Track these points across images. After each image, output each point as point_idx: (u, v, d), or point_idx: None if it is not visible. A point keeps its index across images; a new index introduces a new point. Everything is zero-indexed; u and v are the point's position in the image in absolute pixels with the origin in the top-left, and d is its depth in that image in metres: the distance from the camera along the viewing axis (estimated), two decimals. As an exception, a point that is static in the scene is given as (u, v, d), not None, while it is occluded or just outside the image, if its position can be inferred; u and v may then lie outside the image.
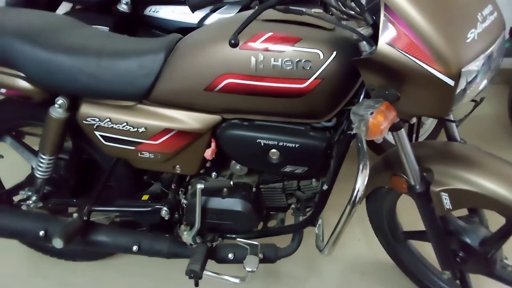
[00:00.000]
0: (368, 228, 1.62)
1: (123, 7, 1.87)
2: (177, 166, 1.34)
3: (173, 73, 1.20)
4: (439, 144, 1.28)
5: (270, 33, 1.10)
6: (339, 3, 1.04)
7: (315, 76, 1.09)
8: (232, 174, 1.38)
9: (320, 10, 1.15)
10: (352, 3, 1.03)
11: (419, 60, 0.92)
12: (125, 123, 1.26)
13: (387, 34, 0.93)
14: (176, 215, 1.45)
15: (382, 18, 0.93)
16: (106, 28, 1.95)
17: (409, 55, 0.92)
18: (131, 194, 1.50)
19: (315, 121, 1.22)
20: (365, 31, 1.03)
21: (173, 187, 1.43)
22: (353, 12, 1.03)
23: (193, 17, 1.87)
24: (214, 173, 1.38)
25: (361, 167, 1.12)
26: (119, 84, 1.23)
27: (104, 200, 1.48)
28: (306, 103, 1.14)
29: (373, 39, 1.03)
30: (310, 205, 1.40)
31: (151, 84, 1.22)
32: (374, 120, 0.94)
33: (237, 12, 1.90)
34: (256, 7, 0.99)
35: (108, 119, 1.27)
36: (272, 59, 1.09)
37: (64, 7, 2.15)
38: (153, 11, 1.89)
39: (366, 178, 1.11)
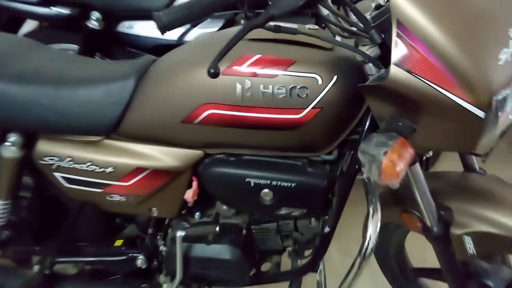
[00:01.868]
0: (373, 261, 1.44)
1: (93, 23, 1.69)
2: (154, 209, 1.15)
3: (145, 102, 1.02)
4: (456, 176, 1.11)
5: (258, 55, 0.93)
6: (339, 18, 0.87)
7: (312, 105, 0.92)
8: (218, 213, 1.19)
9: (316, 27, 0.98)
10: (355, 17, 0.86)
11: (440, 86, 0.75)
12: (89, 163, 1.07)
13: (401, 55, 0.76)
14: (155, 262, 1.26)
15: (394, 36, 0.76)
16: (75, 47, 1.76)
17: (428, 80, 0.76)
18: (103, 239, 1.30)
19: (313, 154, 1.05)
20: (371, 51, 0.86)
21: (150, 231, 1.24)
22: (356, 29, 0.86)
23: (172, 33, 1.69)
24: (197, 213, 1.19)
25: (371, 211, 0.94)
26: (82, 116, 1.04)
27: (71, 247, 1.28)
28: (302, 135, 0.97)
29: (381, 60, 0.86)
30: (310, 247, 1.21)
31: (119, 115, 1.03)
32: (389, 162, 0.76)
33: (221, 26, 1.72)
34: (242, 23, 0.82)
35: (70, 158, 1.07)
36: (261, 86, 0.92)
37: (29, 25, 1.95)
38: (127, 27, 1.71)
39: (378, 225, 0.93)
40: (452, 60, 0.74)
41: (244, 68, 0.92)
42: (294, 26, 0.95)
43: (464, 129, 0.80)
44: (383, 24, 0.83)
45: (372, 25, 0.83)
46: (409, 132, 0.83)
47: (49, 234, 1.40)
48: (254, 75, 0.92)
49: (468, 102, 0.75)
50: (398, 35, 0.75)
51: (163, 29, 0.79)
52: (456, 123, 0.79)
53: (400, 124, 0.83)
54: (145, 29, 1.71)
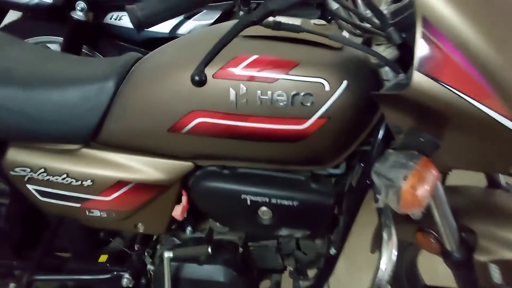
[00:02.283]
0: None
1: (78, 14, 1.55)
2: (139, 225, 1.03)
3: (127, 107, 0.89)
4: (479, 192, 0.98)
5: (255, 56, 0.80)
6: (351, 13, 0.74)
7: (318, 115, 0.79)
8: (212, 229, 1.08)
9: (323, 22, 0.85)
10: (369, 12, 0.73)
11: (473, 98, 0.62)
12: (65, 175, 0.95)
13: (425, 60, 0.63)
14: (143, 281, 1.14)
15: (418, 36, 0.63)
16: (60, 39, 1.62)
17: (458, 90, 0.63)
18: (86, 253, 1.18)
19: (318, 167, 0.92)
20: (388, 52, 0.73)
21: (136, 247, 1.12)
22: (371, 26, 0.73)
23: (163, 25, 1.56)
24: (189, 227, 1.07)
25: (385, 236, 0.82)
26: (55, 122, 0.92)
27: (51, 262, 1.17)
28: (306, 147, 0.84)
29: (400, 63, 0.73)
30: (313, 266, 1.10)
31: (98, 122, 0.91)
32: (410, 188, 0.64)
33: (217, 18, 1.58)
34: (241, 14, 0.69)
35: (43, 170, 0.95)
36: (259, 91, 0.79)
37: (12, 15, 1.81)
38: (115, 19, 1.57)
39: (394, 255, 0.81)
40: (490, 67, 0.61)
41: (239, 71, 0.79)
42: (297, 21, 0.82)
43: (498, 147, 0.67)
44: (404, 21, 0.69)
45: (391, 21, 0.70)
46: (432, 149, 0.70)
47: (30, 246, 1.29)
48: (251, 79, 0.79)
49: (505, 117, 0.62)
50: (424, 36, 0.62)
51: (138, 26, 0.66)
52: (489, 141, 0.67)
53: (421, 139, 0.71)
54: (135, 20, 1.57)
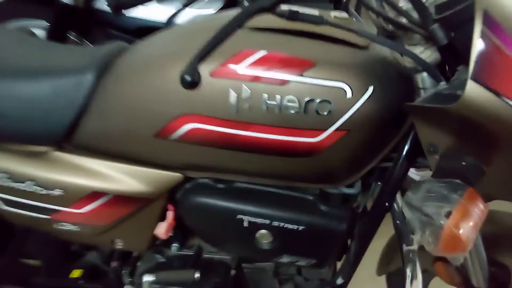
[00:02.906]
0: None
1: (65, -4, 1.40)
2: (117, 240, 0.89)
3: (107, 106, 0.75)
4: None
5: (263, 52, 0.66)
6: (384, 5, 0.60)
7: (336, 126, 0.65)
8: (201, 247, 0.94)
9: (345, 15, 0.71)
10: (405, 4, 0.59)
11: None
12: (31, 182, 0.80)
13: (485, 66, 0.49)
14: (121, 301, 1.00)
15: (477, 36, 0.49)
16: (45, 23, 1.48)
17: None
18: (57, 266, 1.04)
19: (329, 186, 0.78)
20: (427, 55, 0.60)
21: (114, 264, 0.98)
22: (408, 21, 0.59)
23: (160, 13, 1.41)
24: (175, 244, 0.93)
25: (408, 274, 0.69)
26: (23, 120, 0.78)
27: (17, 276, 1.03)
28: (318, 163, 0.71)
29: (440, 69, 0.60)
30: None
31: (72, 121, 0.76)
32: (454, 227, 0.51)
33: (221, 7, 1.44)
34: (246, 3, 0.56)
35: (6, 174, 0.81)
36: (265, 95, 0.65)
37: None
38: (106, 4, 1.41)
39: None
40: None
41: (242, 69, 0.65)
42: (315, 12, 0.68)
43: None
44: (453, 17, 0.55)
45: (435, 17, 0.56)
46: (477, 177, 0.57)
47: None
48: (256, 79, 0.65)
49: None
50: (483, 35, 0.48)
51: (115, 6, 0.52)
52: None
53: (463, 163, 0.57)
54: (128, 6, 1.42)
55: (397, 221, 0.78)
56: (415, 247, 0.59)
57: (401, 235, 0.74)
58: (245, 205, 0.78)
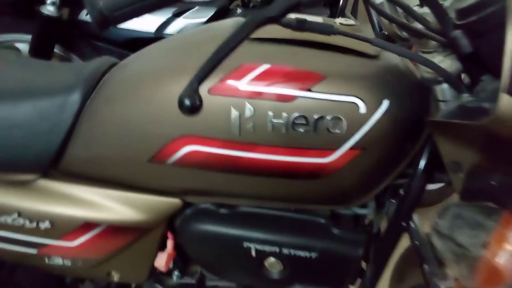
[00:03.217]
0: None
1: (48, 9, 1.33)
2: (113, 272, 0.82)
3: (97, 129, 0.69)
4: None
5: (267, 66, 0.60)
6: (397, 8, 0.55)
7: (350, 145, 0.59)
8: (204, 274, 0.87)
9: (351, 21, 0.65)
10: (424, 9, 0.54)
11: None
12: (16, 214, 0.74)
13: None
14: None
15: (511, 44, 0.43)
16: (29, 38, 1.40)
17: None
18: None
19: (341, 207, 0.72)
20: (448, 65, 0.54)
21: (111, 298, 0.91)
22: (425, 27, 0.53)
23: (148, 23, 1.35)
24: (176, 272, 0.86)
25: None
26: (4, 147, 0.71)
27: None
28: (330, 184, 0.65)
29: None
30: None
31: (59, 146, 0.70)
32: (492, 258, 0.45)
33: (211, 16, 1.38)
34: (238, 12, 0.50)
35: None
36: (271, 113, 0.59)
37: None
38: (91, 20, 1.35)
39: None
40: None
41: (244, 85, 0.59)
42: (319, 20, 0.62)
43: None
44: (478, 23, 0.50)
45: (458, 22, 0.50)
46: (511, 197, 0.51)
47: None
48: (259, 96, 0.59)
49: None
50: None
51: (99, 22, 0.45)
52: None
53: (493, 183, 0.52)
54: (115, 18, 1.36)
55: (416, 241, 0.72)
56: (450, 284, 0.53)
57: (423, 257, 0.68)
58: (251, 231, 0.72)
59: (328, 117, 0.58)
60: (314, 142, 0.60)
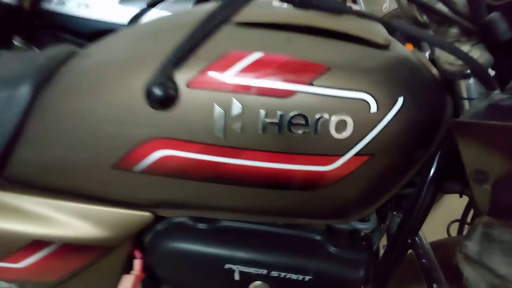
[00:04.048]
0: None
1: (7, -4, 1.19)
2: None
3: (49, 128, 0.57)
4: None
5: (259, 54, 0.49)
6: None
7: (357, 150, 0.50)
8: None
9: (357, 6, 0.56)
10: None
11: None
12: None
13: None
14: None
15: None
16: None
17: None
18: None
19: (339, 221, 0.63)
20: (476, 54, 0.46)
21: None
22: (452, 11, 0.44)
23: (121, 14, 1.23)
24: None
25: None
26: None
27: None
28: (329, 196, 0.55)
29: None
30: None
31: (3, 148, 0.57)
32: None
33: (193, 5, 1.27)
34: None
35: None
36: (262, 112, 0.49)
37: None
38: (57, 3, 1.22)
39: None
40: None
41: (231, 77, 0.49)
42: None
43: None
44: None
45: (495, 3, 0.42)
46: None
47: None
48: (249, 90, 0.49)
49: None
50: None
51: None
52: None
53: None
54: (82, 7, 1.23)
55: (423, 260, 0.63)
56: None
57: (433, 278, 0.60)
58: (234, 250, 0.61)
59: (332, 117, 0.48)
60: (314, 147, 0.50)
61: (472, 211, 0.89)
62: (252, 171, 0.51)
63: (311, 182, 0.52)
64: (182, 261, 0.63)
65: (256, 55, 0.49)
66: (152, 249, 0.64)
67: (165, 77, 0.36)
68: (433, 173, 0.58)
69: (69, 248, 0.62)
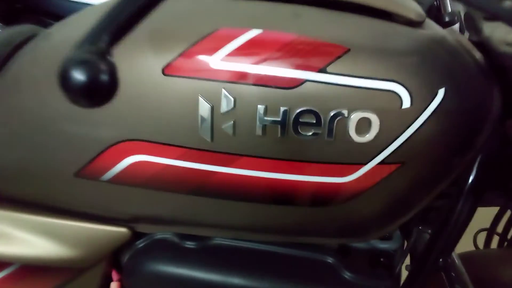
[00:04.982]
0: None
1: (-17, -24, 1.08)
2: None
3: (2, 128, 0.46)
4: None
5: (257, 31, 0.38)
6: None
7: (383, 157, 0.39)
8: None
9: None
10: None
11: None
12: None
13: None
14: None
15: None
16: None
17: None
18: None
19: (356, 240, 0.52)
20: None
21: None
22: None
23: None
24: None
25: None
26: None
27: None
28: (344, 213, 0.44)
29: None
30: None
31: None
32: None
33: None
34: None
35: None
36: (261, 107, 0.37)
37: None
38: (38, -16, 1.11)
39: None
40: None
41: (220, 62, 0.38)
42: None
43: None
44: None
45: None
46: None
47: None
48: (243, 78, 0.37)
49: None
50: None
51: None
52: None
53: None
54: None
55: (457, 286, 0.53)
56: None
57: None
58: (228, 274, 0.50)
59: (352, 115, 0.37)
60: (328, 153, 0.38)
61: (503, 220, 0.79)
62: (248, 183, 0.40)
63: (323, 197, 0.41)
64: (165, 285, 0.53)
65: (252, 33, 0.37)
66: (130, 270, 0.54)
67: (93, 52, 0.24)
68: (472, 182, 0.48)
69: (31, 270, 0.52)
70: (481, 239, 0.85)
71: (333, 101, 0.37)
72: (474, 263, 0.64)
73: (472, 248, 0.85)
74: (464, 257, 0.60)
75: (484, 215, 0.78)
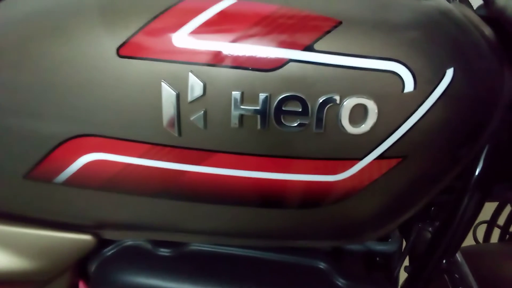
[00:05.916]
0: None
1: None
2: None
3: None
4: None
5: (229, 2, 0.32)
6: None
7: (381, 151, 0.33)
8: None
9: None
10: None
11: None
12: None
13: None
14: None
15: None
16: None
17: None
18: None
19: (351, 242, 0.47)
20: None
21: None
22: None
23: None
24: None
25: None
26: None
27: None
28: (336, 214, 0.38)
29: None
30: None
31: None
32: None
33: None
34: None
35: None
36: (236, 94, 0.31)
37: None
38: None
39: None
40: None
41: (186, 38, 0.31)
42: None
43: None
44: None
45: None
46: None
47: None
48: (215, 59, 0.31)
49: None
50: None
51: None
52: None
53: None
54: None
55: (461, 290, 0.48)
56: None
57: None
58: (207, 284, 0.45)
59: (346, 101, 0.31)
60: (316, 147, 0.33)
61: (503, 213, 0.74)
62: (222, 184, 0.34)
63: (312, 199, 0.35)
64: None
65: (224, 4, 0.31)
66: (99, 280, 0.48)
67: None
68: (478, 175, 0.42)
69: (-17, 284, 0.46)
70: (481, 231, 0.81)
71: (322, 85, 0.31)
72: (476, 259, 0.59)
73: (471, 241, 0.81)
74: (465, 252, 0.55)
75: (484, 207, 0.74)
